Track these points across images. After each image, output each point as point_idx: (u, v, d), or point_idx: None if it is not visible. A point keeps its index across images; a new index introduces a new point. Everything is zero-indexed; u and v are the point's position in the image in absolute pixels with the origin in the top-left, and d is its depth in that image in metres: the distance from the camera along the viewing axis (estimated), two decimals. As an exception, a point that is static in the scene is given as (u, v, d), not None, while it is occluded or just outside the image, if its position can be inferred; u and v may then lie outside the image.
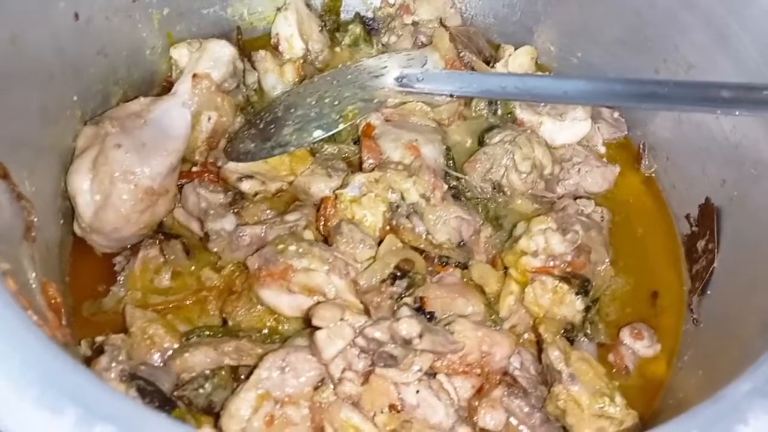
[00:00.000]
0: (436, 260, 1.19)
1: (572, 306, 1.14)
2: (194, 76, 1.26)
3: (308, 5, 1.51)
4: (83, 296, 1.15)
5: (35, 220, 1.01)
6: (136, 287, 1.15)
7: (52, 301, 0.97)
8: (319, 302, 1.03)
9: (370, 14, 1.60)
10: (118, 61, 1.29)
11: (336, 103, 1.28)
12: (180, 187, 1.23)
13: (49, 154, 1.13)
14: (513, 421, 1.06)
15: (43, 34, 1.06)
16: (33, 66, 1.05)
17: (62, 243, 1.16)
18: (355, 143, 1.33)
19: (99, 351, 0.97)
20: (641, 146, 1.41)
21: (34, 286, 0.94)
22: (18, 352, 0.63)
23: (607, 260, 1.20)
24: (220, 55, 1.29)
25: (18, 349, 0.64)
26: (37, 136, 1.08)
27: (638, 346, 1.18)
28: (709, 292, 1.18)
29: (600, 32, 1.42)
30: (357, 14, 1.57)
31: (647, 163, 1.40)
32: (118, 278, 1.17)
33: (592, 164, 1.35)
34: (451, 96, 1.30)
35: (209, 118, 1.27)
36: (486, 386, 1.07)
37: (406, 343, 0.95)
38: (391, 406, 0.99)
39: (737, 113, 1.01)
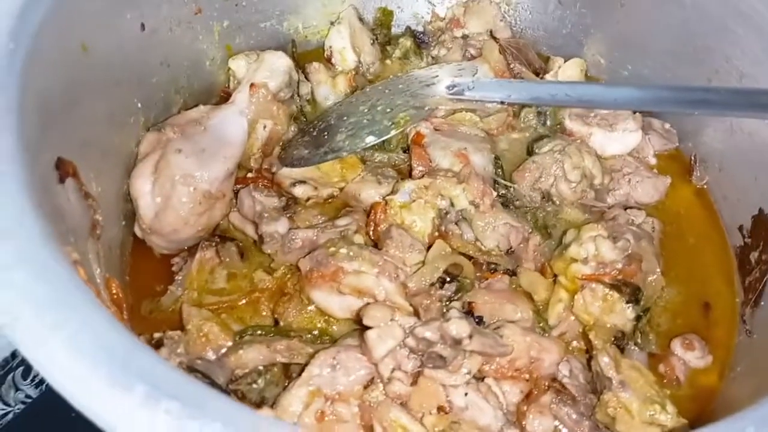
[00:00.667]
0: (484, 267, 1.20)
1: (623, 314, 1.13)
2: (252, 85, 1.30)
3: (361, 19, 1.56)
4: (142, 295, 1.20)
5: (100, 219, 1.06)
6: (193, 287, 1.19)
7: (115, 296, 1.02)
8: (369, 303, 1.06)
9: (420, 28, 1.63)
10: (179, 71, 1.34)
11: (388, 110, 1.32)
12: (236, 192, 1.27)
13: (114, 158, 1.18)
14: (561, 428, 1.05)
15: (111, 44, 1.11)
16: (101, 74, 1.10)
17: (123, 244, 1.21)
18: (404, 152, 1.36)
19: (158, 345, 1.01)
20: (692, 157, 1.40)
21: (99, 280, 0.99)
22: (89, 334, 0.67)
23: (658, 270, 1.19)
24: (277, 65, 1.34)
25: (89, 331, 0.67)
26: (104, 139, 1.13)
27: (689, 356, 1.16)
28: (762, 303, 1.16)
29: (650, 44, 1.42)
30: (408, 28, 1.61)
31: (699, 174, 1.39)
32: (176, 278, 1.20)
33: (643, 175, 1.35)
34: (502, 103, 1.32)
35: (265, 126, 1.32)
36: (534, 392, 1.07)
37: (456, 343, 0.96)
38: (440, 408, 1.00)
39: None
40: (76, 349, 0.65)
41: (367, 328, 0.99)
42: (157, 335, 1.06)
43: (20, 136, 0.82)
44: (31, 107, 0.88)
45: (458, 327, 0.95)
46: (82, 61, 1.03)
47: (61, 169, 0.96)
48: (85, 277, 0.81)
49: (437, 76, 1.36)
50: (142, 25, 1.19)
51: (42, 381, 1.44)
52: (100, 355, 0.65)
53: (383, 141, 1.34)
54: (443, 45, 1.54)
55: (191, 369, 0.96)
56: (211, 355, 1.08)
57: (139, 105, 1.24)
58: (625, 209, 1.28)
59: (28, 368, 1.47)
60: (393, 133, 1.30)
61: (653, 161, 1.39)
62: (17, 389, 1.46)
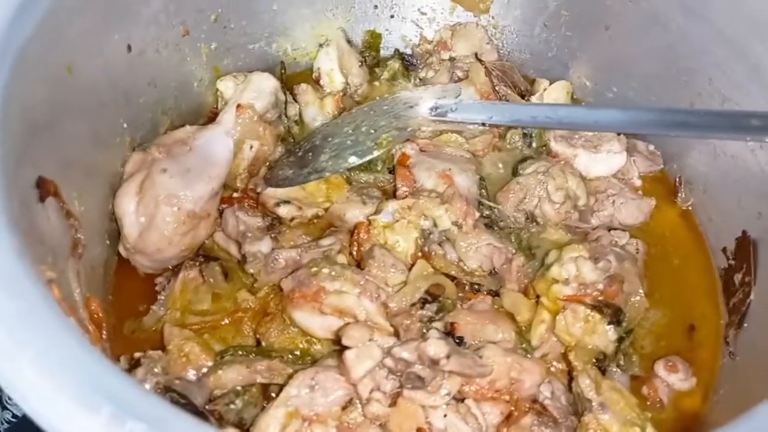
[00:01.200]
0: (467, 287, 1.20)
1: (604, 336, 1.13)
2: (238, 106, 1.31)
3: (349, 42, 1.57)
4: (125, 315, 1.20)
5: (82, 237, 1.06)
6: (176, 307, 1.19)
7: (95, 316, 1.02)
8: (348, 323, 1.05)
9: (408, 50, 1.65)
10: (167, 92, 1.35)
11: (372, 131, 1.33)
12: (221, 212, 1.28)
13: (99, 177, 1.19)
14: (542, 450, 1.05)
15: (97, 65, 1.12)
16: (87, 94, 1.11)
17: (107, 263, 1.21)
18: (390, 172, 1.36)
19: (136, 364, 1.01)
20: (677, 180, 1.40)
21: (78, 299, 0.99)
22: (58, 352, 0.67)
23: (641, 291, 1.18)
24: (264, 86, 1.35)
25: (58, 349, 0.67)
26: (88, 159, 1.14)
27: (673, 379, 1.16)
28: (746, 325, 1.16)
29: (635, 67, 1.43)
30: (396, 50, 1.63)
31: (683, 196, 1.39)
32: (159, 298, 1.20)
33: (627, 196, 1.35)
34: (483, 125, 1.33)
35: (251, 147, 1.32)
36: (515, 413, 1.06)
37: (434, 363, 0.96)
38: (419, 429, 0.99)
39: (767, 140, 1.01)
40: (43, 367, 0.65)
41: (346, 348, 0.99)
42: (137, 355, 1.06)
43: (0, 154, 0.83)
44: (13, 126, 0.88)
45: (436, 347, 0.95)
46: (67, 82, 1.04)
47: (41, 188, 0.96)
48: (59, 297, 0.81)
49: (421, 97, 1.37)
50: (129, 47, 1.20)
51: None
52: (68, 374, 0.65)
53: (368, 161, 1.35)
54: (431, 67, 1.55)
55: (168, 389, 0.95)
56: (191, 375, 1.08)
57: (126, 125, 1.25)
58: (609, 230, 1.28)
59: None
60: (375, 153, 1.31)
61: (638, 183, 1.40)
62: (4, 408, 1.46)
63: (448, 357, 0.96)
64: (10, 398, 1.46)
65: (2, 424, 1.44)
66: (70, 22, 1.04)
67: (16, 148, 0.89)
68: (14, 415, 1.45)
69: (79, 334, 0.70)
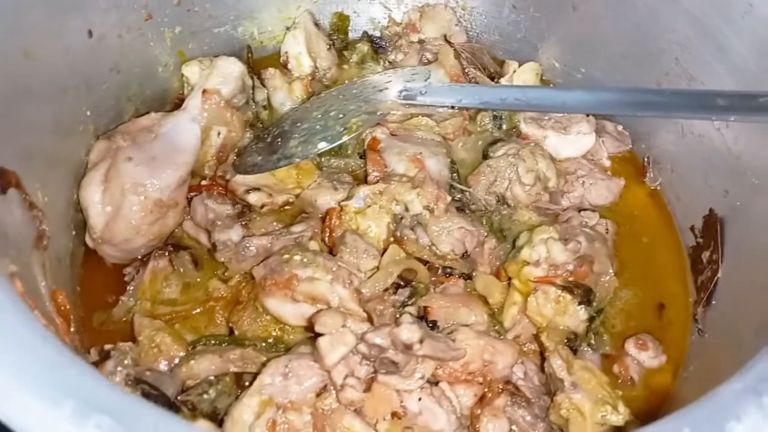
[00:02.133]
0: (440, 271, 1.20)
1: (575, 316, 1.14)
2: (204, 91, 1.29)
3: (317, 25, 1.55)
4: (94, 306, 1.18)
5: (46, 229, 1.04)
6: (146, 297, 1.18)
7: (62, 308, 1.00)
8: (321, 310, 1.05)
9: (377, 33, 1.63)
10: (130, 78, 1.32)
11: (341, 116, 1.31)
12: (189, 200, 1.26)
13: (62, 167, 1.16)
14: (516, 430, 1.05)
15: (56, 50, 1.09)
16: (46, 80, 1.08)
17: (74, 254, 1.19)
18: (361, 157, 1.36)
19: (106, 357, 0.99)
20: (646, 159, 1.42)
21: (44, 292, 0.97)
22: (20, 347, 0.65)
23: (611, 271, 1.20)
24: (229, 71, 1.33)
25: (20, 343, 0.66)
26: (50, 148, 1.11)
27: (643, 357, 1.18)
28: (713, 302, 1.18)
29: (603, 47, 1.44)
30: (365, 33, 1.61)
31: (652, 176, 1.41)
32: (128, 288, 1.19)
33: (597, 177, 1.36)
34: (453, 108, 1.33)
35: (219, 133, 1.30)
36: (488, 395, 1.07)
37: (407, 348, 0.95)
38: (394, 414, 1.00)
39: (732, 119, 1.02)
40: (2, 362, 0.63)
41: (320, 335, 0.99)
42: (108, 347, 1.04)
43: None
44: (-32, 116, 0.86)
45: (408, 332, 0.95)
46: (25, 68, 1.01)
47: (2, 180, 0.94)
48: (22, 290, 0.79)
49: (390, 81, 1.36)
50: (90, 32, 1.17)
51: None
52: (29, 368, 0.64)
53: (339, 147, 1.34)
54: (400, 50, 1.54)
55: (138, 381, 0.94)
56: (163, 366, 1.07)
57: (89, 113, 1.22)
58: (579, 211, 1.29)
59: None
60: (345, 138, 1.29)
61: (607, 163, 1.41)
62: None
63: (421, 341, 0.96)
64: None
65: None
66: (28, 7, 1.01)
67: (-27, 137, 0.86)
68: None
69: (42, 328, 0.69)
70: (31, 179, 1.01)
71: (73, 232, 1.19)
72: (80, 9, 1.15)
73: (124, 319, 1.16)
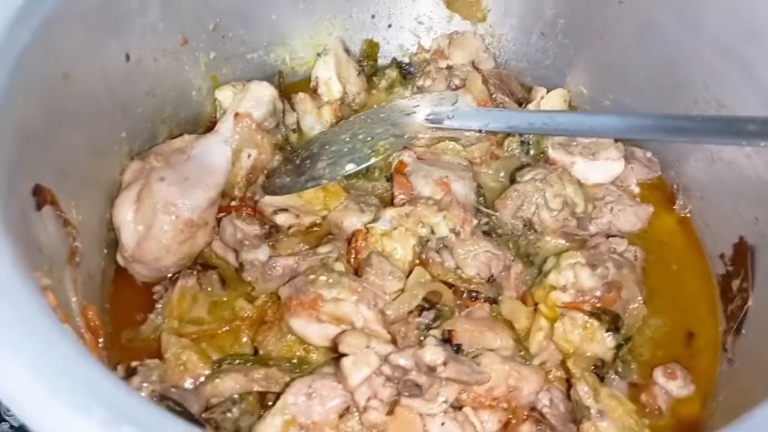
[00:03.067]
0: (465, 294, 1.19)
1: (603, 343, 1.13)
2: (236, 115, 1.32)
3: (347, 51, 1.58)
4: (122, 324, 1.19)
5: (79, 246, 1.06)
6: (173, 316, 1.19)
7: (91, 324, 1.02)
8: (345, 331, 1.05)
9: (406, 59, 1.65)
10: (165, 101, 1.35)
11: (369, 139, 1.33)
12: (218, 221, 1.28)
13: (96, 186, 1.19)
14: (541, 457, 1.04)
15: (94, 73, 1.12)
16: (84, 102, 1.11)
17: (104, 272, 1.21)
18: (387, 180, 1.37)
19: (132, 372, 1.01)
20: (675, 186, 1.40)
21: (74, 307, 0.99)
22: (52, 357, 0.67)
23: (639, 298, 1.19)
24: (261, 95, 1.35)
25: (52, 354, 0.67)
26: (86, 168, 1.14)
27: (671, 386, 1.15)
28: (743, 331, 1.16)
29: (631, 75, 1.44)
30: (393, 59, 1.63)
31: (681, 203, 1.39)
32: (157, 306, 1.20)
33: (625, 203, 1.35)
34: (480, 132, 1.33)
35: (249, 155, 1.33)
36: (513, 421, 1.06)
37: (431, 370, 0.95)
38: (416, 437, 0.99)
39: (762, 145, 1.01)
40: (36, 371, 0.65)
41: (343, 355, 0.99)
42: (134, 363, 1.05)
43: (-3, 162, 0.83)
44: (9, 134, 0.89)
45: (432, 354, 0.95)
46: (64, 90, 1.04)
47: (38, 196, 0.96)
48: (54, 303, 0.81)
49: (418, 105, 1.37)
50: (127, 56, 1.21)
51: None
52: (61, 378, 0.65)
53: (366, 169, 1.35)
54: (428, 76, 1.56)
55: (163, 397, 0.95)
56: (188, 384, 1.08)
57: (124, 134, 1.25)
58: (608, 237, 1.28)
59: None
60: (373, 160, 1.31)
61: (636, 190, 1.40)
62: (2, 419, 1.45)
63: (445, 364, 0.95)
64: (8, 409, 1.45)
65: (0, 435, 1.43)
66: (68, 30, 1.05)
67: (13, 156, 0.89)
68: (12, 426, 1.44)
69: (74, 339, 0.70)
70: (66, 197, 1.04)
71: (105, 250, 1.21)
72: (118, 33, 1.18)
73: (152, 336, 1.17)
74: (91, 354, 0.70)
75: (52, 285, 0.84)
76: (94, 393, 0.65)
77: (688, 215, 1.39)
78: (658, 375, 1.16)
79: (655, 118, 1.19)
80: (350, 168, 1.29)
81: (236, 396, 1.04)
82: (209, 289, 1.22)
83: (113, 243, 1.22)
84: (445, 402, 0.99)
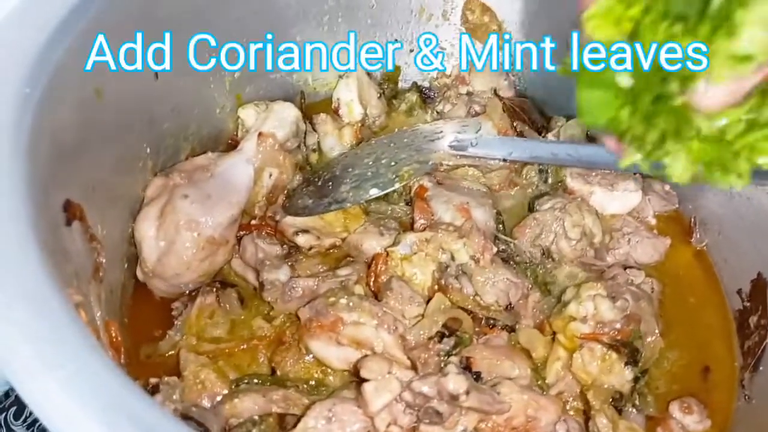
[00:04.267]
0: (483, 322, 1.19)
1: (621, 375, 1.13)
2: (260, 134, 1.33)
3: (369, 74, 1.59)
4: (140, 339, 1.19)
5: (103, 261, 1.07)
6: (191, 332, 1.19)
7: (114, 339, 1.02)
8: (366, 355, 1.05)
9: (426, 84, 1.66)
10: (189, 118, 1.36)
11: (392, 164, 1.34)
12: (239, 239, 1.28)
13: (120, 202, 1.19)
14: (557, 489, 1.04)
15: (124, 90, 1.13)
16: (113, 119, 1.11)
17: (124, 286, 1.21)
18: (407, 204, 1.37)
19: (154, 390, 1.01)
20: (692, 220, 1.41)
21: (99, 323, 0.99)
22: (88, 375, 0.67)
23: (656, 331, 1.19)
24: (285, 116, 1.36)
25: (88, 372, 0.67)
26: (112, 183, 1.15)
27: (688, 420, 1.15)
28: (761, 368, 1.16)
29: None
30: (414, 83, 1.64)
31: (698, 236, 1.40)
32: (175, 323, 1.21)
33: (643, 235, 1.35)
34: (504, 161, 1.34)
35: (270, 175, 1.33)
36: (531, 451, 1.06)
37: (453, 399, 0.95)
38: (435, 465, 0.99)
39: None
40: (71, 388, 0.65)
41: (364, 380, 0.99)
42: (153, 380, 1.05)
43: (31, 178, 0.84)
44: (42, 150, 0.89)
45: (456, 382, 0.95)
46: (95, 108, 1.05)
47: (68, 212, 0.97)
48: (86, 320, 0.81)
49: (441, 131, 1.38)
50: (156, 74, 1.22)
51: (34, 422, 1.43)
52: (95, 397, 0.65)
53: (386, 193, 1.36)
54: (448, 101, 1.57)
55: (186, 416, 0.95)
56: (206, 403, 1.08)
57: (148, 150, 1.26)
58: (625, 269, 1.29)
59: (20, 408, 1.46)
60: (397, 186, 1.32)
61: (653, 222, 1.40)
62: (9, 429, 1.45)
63: (467, 393, 0.95)
64: (14, 420, 1.45)
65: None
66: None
67: (46, 171, 0.90)
68: (20, 438, 1.44)
69: (107, 357, 0.70)
70: (93, 212, 1.04)
71: (125, 265, 1.22)
72: (149, 50, 1.20)
73: (170, 353, 1.17)
74: (123, 373, 0.70)
75: (83, 301, 0.84)
76: (127, 412, 0.65)
77: (705, 249, 1.39)
78: (675, 409, 1.16)
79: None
80: (374, 193, 1.30)
81: (256, 417, 1.04)
82: (228, 307, 1.22)
83: (133, 257, 1.22)
84: (464, 431, 0.99)
